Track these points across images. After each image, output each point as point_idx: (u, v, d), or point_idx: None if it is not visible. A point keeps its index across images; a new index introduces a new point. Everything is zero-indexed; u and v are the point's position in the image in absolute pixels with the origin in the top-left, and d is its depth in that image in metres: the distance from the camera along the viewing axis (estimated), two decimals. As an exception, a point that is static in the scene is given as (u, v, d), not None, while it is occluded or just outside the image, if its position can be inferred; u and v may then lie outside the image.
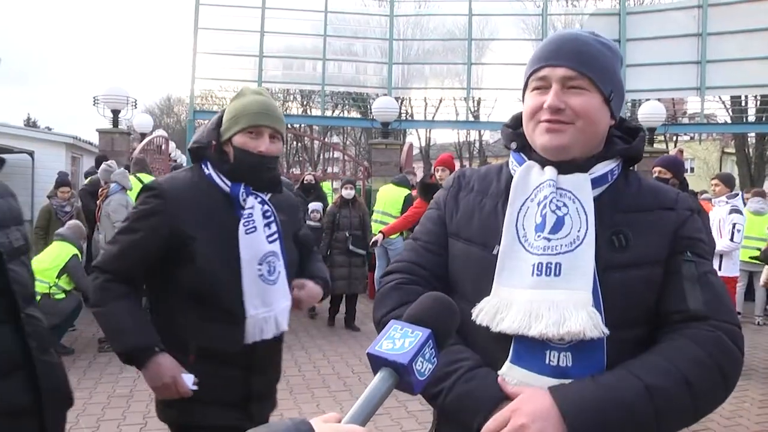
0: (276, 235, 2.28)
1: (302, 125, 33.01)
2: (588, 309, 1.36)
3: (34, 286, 1.72)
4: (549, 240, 1.43)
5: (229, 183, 2.27)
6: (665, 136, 25.70)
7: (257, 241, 2.23)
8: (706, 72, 16.95)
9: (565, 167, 1.49)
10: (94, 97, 14.18)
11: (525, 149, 1.58)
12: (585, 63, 1.45)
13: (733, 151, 31.21)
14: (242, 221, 2.21)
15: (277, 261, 2.27)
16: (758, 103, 24.71)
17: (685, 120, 24.82)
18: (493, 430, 1.30)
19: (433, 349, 1.04)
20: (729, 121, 24.66)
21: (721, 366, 1.36)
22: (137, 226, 2.19)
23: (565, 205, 1.45)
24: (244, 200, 2.26)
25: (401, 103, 24.81)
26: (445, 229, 1.65)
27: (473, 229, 1.58)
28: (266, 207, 2.29)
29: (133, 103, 14.37)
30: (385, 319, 1.53)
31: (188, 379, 2.14)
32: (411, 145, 16.87)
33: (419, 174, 16.15)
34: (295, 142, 37.68)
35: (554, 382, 1.36)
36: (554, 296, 1.38)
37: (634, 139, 1.59)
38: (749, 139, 29.02)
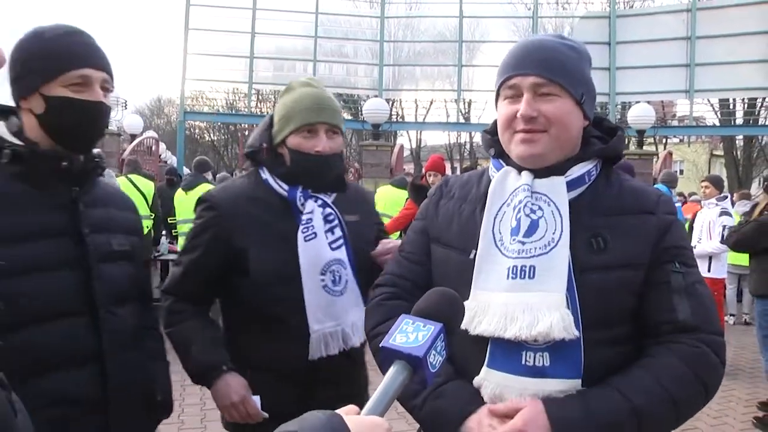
0: (341, 241, 2.07)
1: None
2: (561, 311, 1.37)
3: (136, 289, 1.80)
4: (523, 243, 1.45)
5: (286, 187, 2.07)
6: (655, 139, 25.83)
7: (318, 248, 2.02)
8: (695, 75, 17.08)
9: (541, 171, 1.51)
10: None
11: (503, 155, 1.60)
12: (554, 69, 1.47)
13: (722, 153, 31.42)
14: (300, 228, 2.02)
15: (344, 269, 2.06)
16: (746, 106, 24.89)
17: (675, 122, 24.96)
18: None
19: (443, 342, 1.07)
20: (717, 124, 24.81)
21: (705, 382, 1.40)
22: (195, 243, 2.08)
23: (540, 208, 1.47)
24: (303, 204, 2.05)
25: (392, 104, 24.80)
26: (427, 238, 1.67)
27: (452, 234, 1.61)
28: (329, 210, 2.08)
29: (123, 104, 14.35)
30: (372, 333, 1.63)
31: (257, 401, 2.01)
32: (402, 147, 16.89)
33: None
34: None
35: (531, 381, 1.39)
36: (529, 299, 1.40)
37: (612, 138, 1.60)
38: (737, 141, 29.23)
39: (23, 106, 1.61)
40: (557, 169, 1.50)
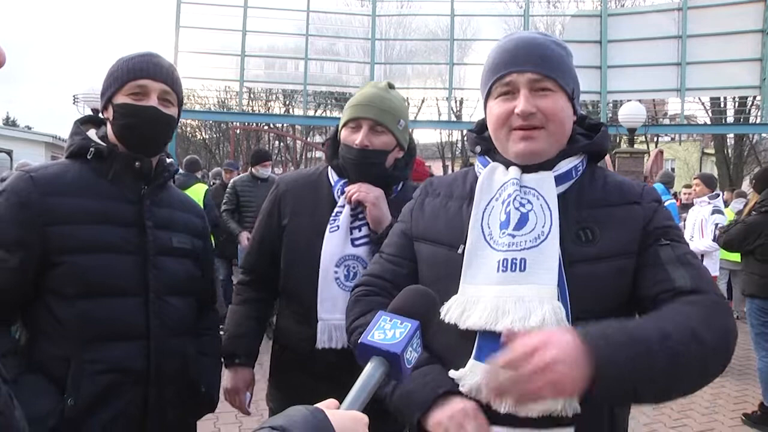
0: (366, 239, 2.15)
1: (284, 125, 32.93)
2: (553, 303, 1.37)
3: (192, 285, 2.00)
4: (513, 236, 1.45)
5: (336, 178, 2.23)
6: (646, 137, 25.92)
7: (338, 241, 2.12)
8: (686, 74, 17.14)
9: (529, 166, 1.52)
10: (73, 96, 14.07)
11: (489, 152, 1.61)
12: (548, 65, 1.49)
13: (713, 151, 31.57)
14: (330, 218, 2.15)
15: (361, 267, 2.12)
16: (736, 104, 25.03)
17: (666, 121, 25.07)
18: (514, 361, 1.18)
19: (419, 339, 1.10)
20: (708, 122, 24.94)
21: (723, 324, 1.33)
22: (258, 221, 2.40)
23: (529, 201, 1.48)
24: (338, 197, 2.19)
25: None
26: (408, 240, 1.68)
27: (439, 230, 1.61)
28: (361, 208, 2.15)
29: (113, 102, 14.26)
30: (351, 327, 1.65)
31: (247, 398, 2.33)
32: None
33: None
34: (277, 142, 37.58)
35: None
36: (520, 291, 1.39)
37: (596, 135, 1.61)
38: (728, 140, 29.37)
39: (105, 115, 1.91)
40: (545, 164, 1.52)
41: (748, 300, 5.59)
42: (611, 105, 18.75)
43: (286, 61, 19.46)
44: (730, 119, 25.12)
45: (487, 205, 1.53)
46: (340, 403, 1.01)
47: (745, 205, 6.31)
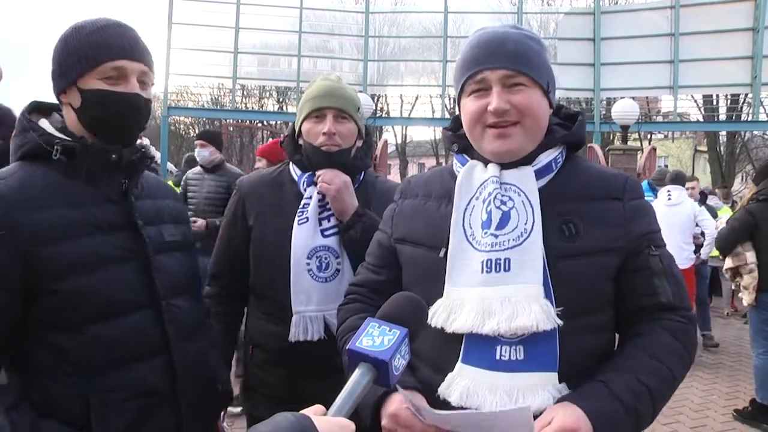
0: (335, 230, 2.14)
1: (278, 122, 32.84)
2: (540, 301, 1.37)
3: (190, 279, 1.83)
4: (496, 236, 1.44)
5: (299, 173, 2.23)
6: (639, 134, 25.97)
7: (308, 233, 2.12)
8: (679, 71, 17.16)
9: (508, 162, 1.50)
10: (64, 93, 13.95)
11: (467, 150, 1.59)
12: (521, 61, 1.46)
13: (706, 149, 31.69)
14: (297, 211, 2.15)
15: (333, 257, 2.12)
16: (729, 102, 25.10)
17: (659, 118, 25.14)
18: None
19: (407, 346, 1.11)
20: (701, 120, 25.00)
21: (691, 355, 1.48)
22: (225, 222, 2.38)
23: (510, 199, 1.46)
24: (305, 189, 2.18)
25: (377, 100, 24.78)
26: (387, 249, 1.68)
27: (419, 232, 1.60)
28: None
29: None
30: (338, 337, 1.68)
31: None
32: (386, 142, 16.87)
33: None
34: (270, 139, 37.52)
35: (505, 376, 1.37)
36: (506, 292, 1.39)
37: (573, 125, 1.60)
38: (720, 137, 29.49)
39: (63, 100, 1.61)
40: (525, 158, 1.50)
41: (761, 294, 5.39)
42: (605, 102, 18.78)
43: (279, 58, 19.41)
44: (723, 117, 25.19)
45: (468, 204, 1.51)
46: (326, 407, 1.01)
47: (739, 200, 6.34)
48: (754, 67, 16.66)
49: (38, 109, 1.68)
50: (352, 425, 0.98)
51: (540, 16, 23.00)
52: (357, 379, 1.05)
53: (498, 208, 1.45)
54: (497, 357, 1.38)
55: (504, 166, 1.50)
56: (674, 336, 1.44)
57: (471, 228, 1.48)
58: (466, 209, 1.50)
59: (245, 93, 31.88)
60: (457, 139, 1.62)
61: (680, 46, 17.07)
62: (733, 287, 5.93)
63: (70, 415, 1.48)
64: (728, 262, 5.59)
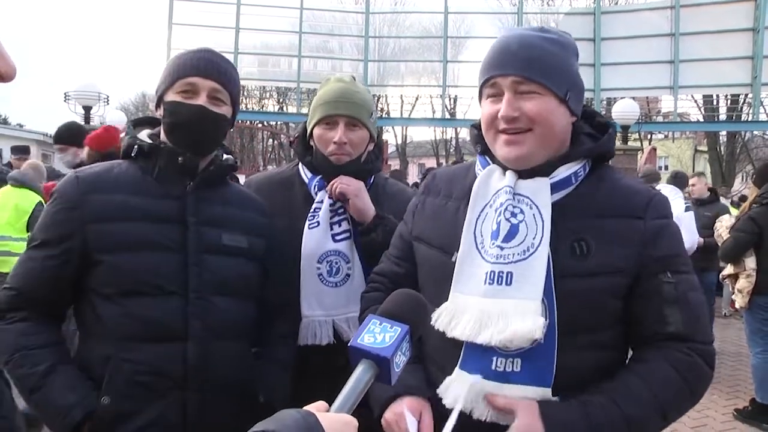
0: (346, 234, 2.13)
1: (278, 122, 32.86)
2: (535, 318, 1.35)
3: (243, 284, 1.88)
4: (502, 249, 1.43)
5: (310, 175, 2.20)
6: (640, 134, 25.97)
7: (318, 237, 2.10)
8: (679, 71, 17.17)
9: (526, 171, 1.48)
10: (65, 94, 13.92)
11: (489, 152, 1.57)
12: (533, 68, 1.42)
13: (706, 149, 31.69)
14: (308, 215, 2.13)
15: (344, 262, 2.12)
16: (729, 102, 25.12)
17: (659, 118, 25.13)
18: None
19: (408, 343, 1.12)
20: (701, 120, 25.01)
21: (694, 390, 1.43)
22: None
23: (521, 211, 1.44)
24: (316, 194, 2.16)
25: (377, 100, 24.79)
26: (407, 242, 1.69)
27: (436, 233, 1.60)
28: (339, 204, 2.14)
29: (105, 100, 14.15)
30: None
31: None
32: (386, 143, 16.88)
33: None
34: (271, 140, 37.53)
35: (499, 387, 1.38)
36: (504, 305, 1.39)
37: (603, 135, 1.56)
38: (720, 137, 29.49)
39: (158, 114, 1.88)
40: (543, 169, 1.47)
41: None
42: (605, 102, 18.79)
43: (279, 58, 19.42)
44: (723, 117, 25.21)
45: (482, 211, 1.50)
46: (330, 404, 1.01)
47: (742, 201, 6.31)
48: (755, 67, 16.67)
49: (149, 121, 2.01)
50: (354, 421, 0.99)
51: (540, 16, 22.96)
52: (359, 375, 1.06)
53: (507, 220, 1.44)
54: (492, 367, 1.39)
55: (521, 176, 1.47)
56: (675, 368, 1.39)
57: (482, 236, 1.47)
58: (479, 216, 1.50)
59: (245, 93, 31.86)
60: (480, 139, 1.59)
61: (680, 46, 17.08)
62: (731, 289, 5.90)
63: (94, 373, 1.69)
64: (729, 269, 5.60)
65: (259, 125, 33.67)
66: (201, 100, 1.79)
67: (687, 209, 6.73)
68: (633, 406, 1.35)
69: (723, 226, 5.92)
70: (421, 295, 1.22)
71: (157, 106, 1.88)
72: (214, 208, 1.86)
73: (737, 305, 5.53)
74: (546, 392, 1.36)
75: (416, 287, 1.55)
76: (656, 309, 1.43)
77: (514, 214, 1.44)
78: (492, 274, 1.41)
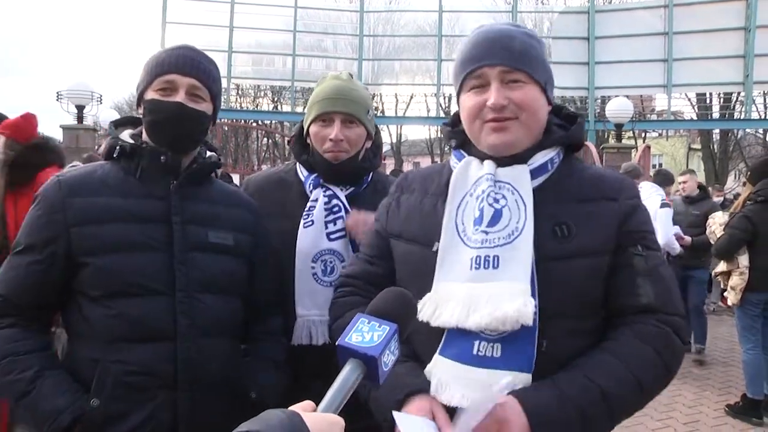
0: (341, 233, 2.11)
1: (273, 121, 32.83)
2: (525, 298, 1.36)
3: (229, 281, 1.86)
4: (487, 233, 1.44)
5: (306, 173, 2.18)
6: (634, 133, 26.09)
7: (313, 236, 2.08)
8: (673, 70, 17.23)
9: (503, 160, 1.51)
10: (57, 93, 13.88)
11: (464, 146, 1.60)
12: (519, 58, 1.48)
13: (699, 147, 31.79)
14: (303, 214, 2.11)
15: (338, 261, 2.10)
16: (722, 100, 25.22)
17: (653, 116, 25.20)
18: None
19: (397, 342, 1.11)
20: (695, 118, 25.10)
21: (668, 362, 1.43)
22: None
23: (503, 197, 1.47)
24: (311, 192, 2.15)
25: (372, 99, 24.74)
26: (383, 240, 1.69)
27: (414, 229, 1.61)
28: (335, 201, 2.12)
29: (98, 99, 14.13)
30: (331, 331, 1.73)
31: None
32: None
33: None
34: (266, 139, 37.46)
35: (479, 372, 1.38)
36: (492, 288, 1.39)
37: (573, 126, 1.61)
38: (714, 135, 29.59)
39: (139, 112, 1.87)
40: (520, 157, 1.50)
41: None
42: (599, 101, 18.80)
43: (273, 57, 19.40)
44: (716, 115, 25.32)
45: (462, 200, 1.52)
46: (317, 404, 1.00)
47: (735, 198, 6.31)
48: (746, 65, 16.75)
49: (131, 121, 1.99)
50: (341, 421, 0.98)
51: (534, 14, 22.99)
52: (346, 375, 1.05)
53: (491, 205, 1.46)
54: (474, 352, 1.39)
55: (499, 164, 1.50)
56: (646, 341, 1.40)
57: (463, 224, 1.49)
58: (459, 205, 1.51)
59: (240, 92, 31.84)
60: (454, 134, 1.63)
61: (674, 45, 17.15)
62: (722, 286, 5.90)
63: (83, 376, 1.67)
64: (722, 266, 5.62)
65: (254, 124, 33.59)
66: (179, 97, 1.78)
67: (663, 206, 6.71)
68: (608, 380, 1.35)
69: (716, 223, 5.90)
70: (410, 294, 1.22)
71: (138, 104, 1.87)
72: (198, 206, 1.86)
73: (730, 302, 5.57)
74: (527, 377, 1.36)
75: (394, 285, 1.54)
76: (628, 281, 1.45)
77: (496, 200, 1.47)
78: (478, 258, 1.42)
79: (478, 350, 1.39)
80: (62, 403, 1.62)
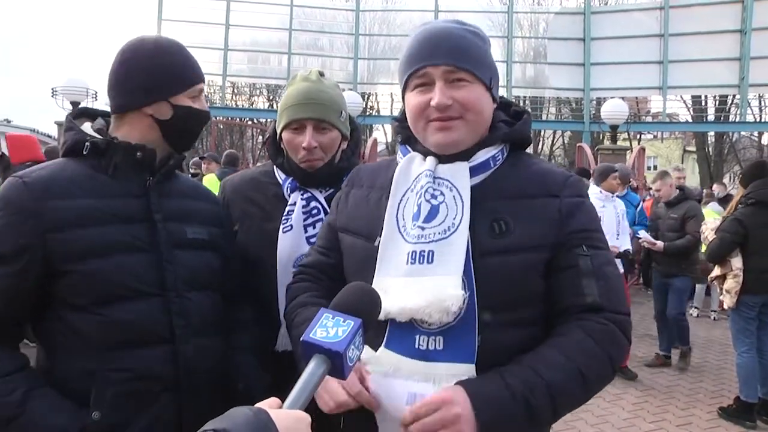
0: None
1: (268, 119, 32.78)
2: (456, 292, 1.38)
3: (212, 276, 1.85)
4: (423, 228, 1.46)
5: (283, 176, 2.13)
6: (629, 134, 26.13)
7: (293, 240, 2.03)
8: (668, 72, 17.28)
9: (446, 156, 1.52)
10: (52, 89, 13.85)
11: (410, 141, 1.62)
12: (463, 57, 1.48)
13: (694, 149, 31.91)
14: (282, 218, 2.06)
15: None
16: (717, 102, 25.31)
17: (648, 118, 25.28)
18: (422, 415, 1.29)
19: (361, 337, 1.12)
20: (690, 120, 25.18)
21: (611, 355, 1.43)
22: None
23: (441, 193, 1.49)
24: (288, 195, 2.09)
25: (367, 98, 24.77)
26: (333, 232, 1.70)
27: (359, 222, 1.62)
28: (314, 204, 2.07)
29: (94, 95, 14.08)
30: (286, 319, 1.72)
31: None
32: (375, 140, 16.86)
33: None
34: (261, 137, 37.42)
35: (422, 365, 1.39)
36: (425, 283, 1.41)
37: (518, 122, 1.62)
38: (709, 137, 29.71)
39: (145, 111, 1.75)
40: (463, 154, 1.52)
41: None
42: (594, 102, 18.85)
43: (269, 55, 19.41)
44: (711, 117, 25.41)
45: (403, 196, 1.54)
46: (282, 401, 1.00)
47: (727, 199, 6.30)
48: (742, 68, 16.83)
49: (85, 113, 1.90)
50: (308, 417, 0.98)
51: (530, 15, 23.05)
52: (312, 370, 1.05)
53: (428, 201, 1.48)
54: (416, 346, 1.41)
55: (441, 161, 1.52)
56: (590, 335, 1.41)
57: (404, 219, 1.51)
58: (401, 201, 1.53)
59: (235, 90, 31.78)
60: (401, 130, 1.64)
61: (669, 47, 17.21)
62: (719, 290, 5.87)
63: (74, 390, 1.58)
64: (716, 271, 5.62)
65: (249, 122, 33.55)
66: (203, 105, 1.83)
67: (602, 207, 6.32)
68: (552, 372, 1.36)
69: (708, 229, 5.87)
70: (373, 288, 1.24)
71: (149, 104, 1.75)
72: (172, 202, 1.81)
73: (725, 305, 5.55)
74: (470, 368, 1.37)
75: (343, 276, 1.60)
76: (573, 281, 1.46)
77: (434, 196, 1.49)
78: (414, 253, 1.44)
79: (419, 344, 1.41)
80: (62, 422, 1.54)
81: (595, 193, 6.44)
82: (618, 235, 6.43)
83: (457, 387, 1.32)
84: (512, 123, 1.62)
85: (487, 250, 1.43)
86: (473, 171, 1.50)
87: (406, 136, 1.62)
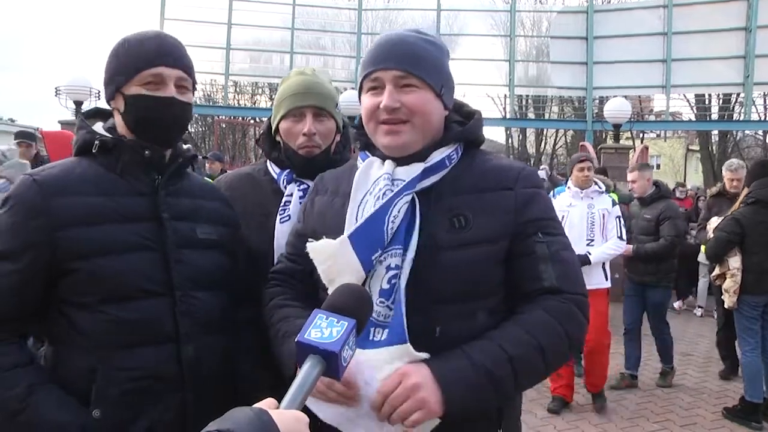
0: None
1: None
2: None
3: (220, 276, 1.85)
4: None
5: (278, 170, 2.17)
6: (632, 133, 26.06)
7: (289, 231, 2.01)
8: (672, 70, 17.21)
9: (404, 159, 1.61)
10: (55, 88, 13.85)
11: (369, 147, 1.71)
12: (413, 64, 1.56)
13: (698, 148, 31.82)
14: (279, 210, 2.08)
15: None
16: (721, 101, 25.24)
17: (652, 117, 25.21)
18: (387, 392, 1.36)
19: (354, 337, 1.14)
20: (693, 119, 25.11)
21: (569, 332, 1.52)
22: None
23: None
24: (285, 187, 2.12)
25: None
26: (302, 240, 1.74)
27: (326, 227, 1.68)
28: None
29: (96, 94, 14.07)
30: (264, 311, 1.77)
31: None
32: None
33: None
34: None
35: (373, 353, 1.44)
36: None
37: (469, 122, 1.71)
38: (713, 136, 29.63)
39: (113, 106, 1.79)
40: (419, 155, 1.60)
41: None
42: (597, 101, 18.79)
43: (271, 54, 19.40)
44: (715, 116, 25.33)
45: (362, 199, 1.61)
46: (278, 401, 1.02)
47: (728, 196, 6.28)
48: (746, 66, 16.74)
49: (100, 113, 1.91)
50: (305, 418, 1.00)
51: (533, 14, 23.01)
52: (307, 371, 1.07)
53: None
54: (370, 338, 1.48)
55: (398, 164, 1.60)
56: (548, 312, 1.49)
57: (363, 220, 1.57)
58: (360, 203, 1.61)
59: (237, 89, 31.79)
60: (360, 136, 1.73)
61: (673, 45, 17.13)
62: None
63: (76, 387, 1.59)
64: (716, 270, 5.60)
65: (251, 121, 33.53)
66: (170, 91, 1.72)
67: (569, 206, 5.67)
68: (513, 346, 1.43)
69: (712, 228, 5.85)
70: (365, 289, 1.32)
71: (111, 98, 1.78)
72: (182, 201, 1.82)
73: (727, 305, 5.53)
74: (408, 348, 1.41)
75: (313, 282, 1.65)
76: (531, 267, 1.55)
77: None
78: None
79: (374, 336, 1.48)
80: (65, 418, 1.55)
81: (565, 191, 5.88)
82: (592, 240, 5.56)
83: (420, 363, 1.39)
84: (464, 122, 1.70)
85: (445, 245, 1.51)
86: (430, 171, 1.58)
87: (365, 143, 1.71)
